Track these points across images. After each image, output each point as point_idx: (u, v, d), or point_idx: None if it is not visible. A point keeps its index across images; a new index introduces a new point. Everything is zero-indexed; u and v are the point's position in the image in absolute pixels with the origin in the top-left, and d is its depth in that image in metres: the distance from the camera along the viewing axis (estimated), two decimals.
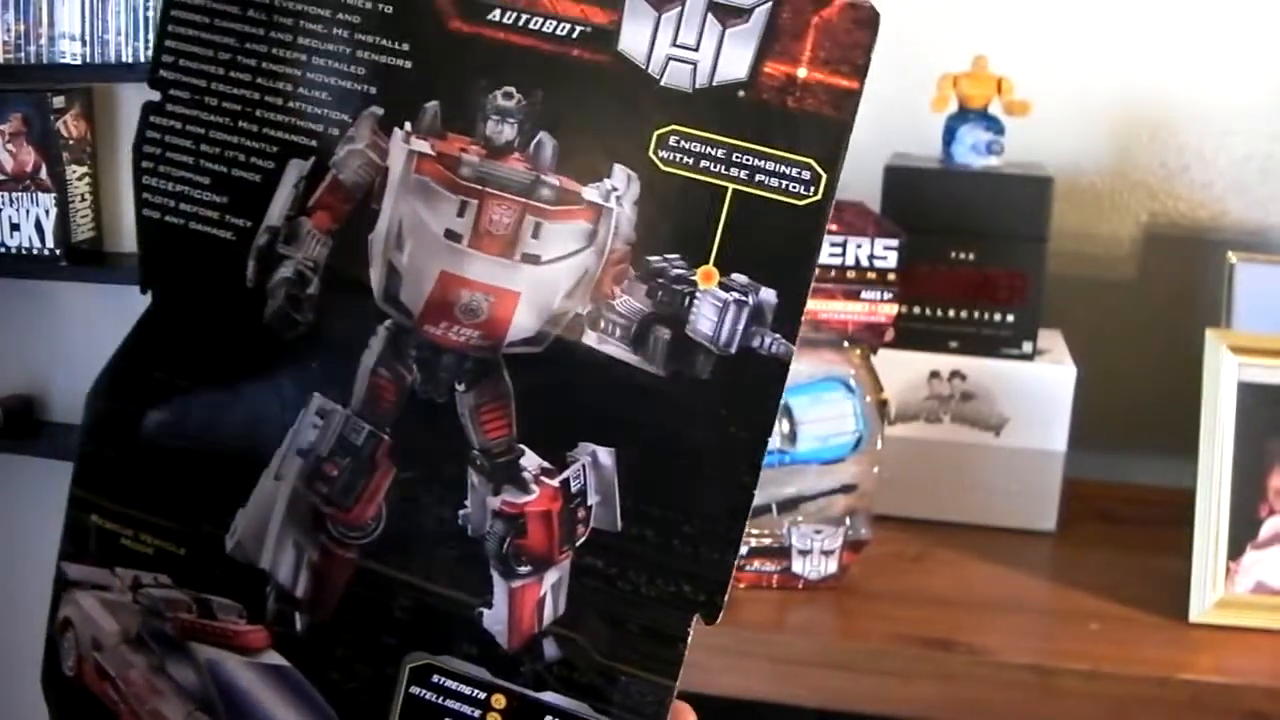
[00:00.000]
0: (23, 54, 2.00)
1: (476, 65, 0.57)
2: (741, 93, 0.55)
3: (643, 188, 0.55)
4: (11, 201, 2.04)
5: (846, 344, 1.24)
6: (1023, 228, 1.44)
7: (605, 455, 0.56)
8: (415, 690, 0.58)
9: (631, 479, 0.56)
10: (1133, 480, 1.56)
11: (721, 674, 1.15)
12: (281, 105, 0.59)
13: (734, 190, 0.55)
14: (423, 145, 0.57)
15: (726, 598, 0.55)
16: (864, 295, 1.25)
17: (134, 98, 2.03)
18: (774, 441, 1.20)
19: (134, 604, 0.62)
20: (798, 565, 1.24)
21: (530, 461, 0.57)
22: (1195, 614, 1.21)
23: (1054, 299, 1.49)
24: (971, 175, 1.47)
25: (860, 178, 1.35)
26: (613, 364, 0.56)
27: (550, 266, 0.56)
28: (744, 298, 0.55)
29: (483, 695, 0.58)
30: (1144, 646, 1.17)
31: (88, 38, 1.97)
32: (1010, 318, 1.44)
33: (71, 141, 2.05)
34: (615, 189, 0.55)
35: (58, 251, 2.05)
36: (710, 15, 0.55)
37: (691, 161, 0.55)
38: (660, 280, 0.55)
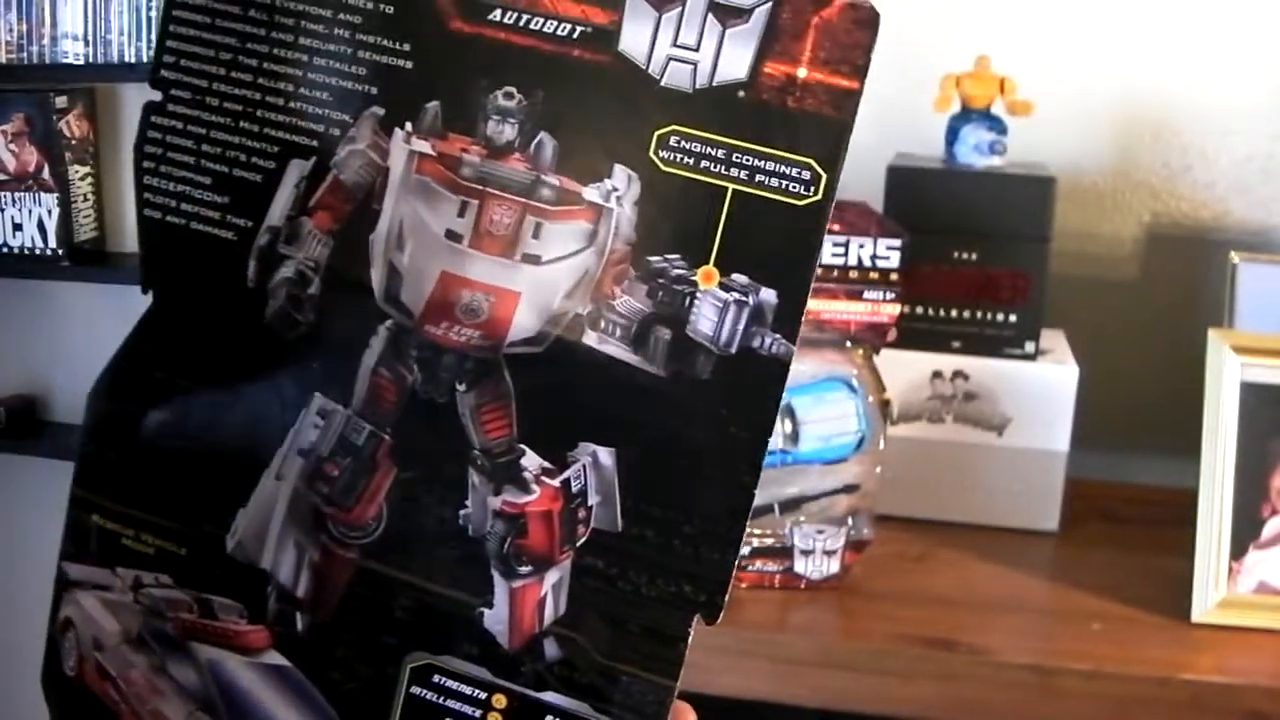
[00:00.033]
0: (25, 54, 2.00)
1: (477, 65, 0.57)
2: (742, 93, 0.55)
3: (643, 188, 0.55)
4: (14, 201, 2.04)
5: (849, 344, 1.24)
6: (1025, 228, 1.44)
7: (606, 455, 0.56)
8: (416, 690, 0.58)
9: (632, 479, 0.56)
10: (1135, 480, 1.56)
11: (723, 674, 1.15)
12: (283, 105, 0.59)
13: (734, 190, 0.55)
14: (423, 145, 0.57)
15: (727, 598, 0.56)
16: (866, 295, 1.25)
17: (136, 97, 2.02)
18: (776, 441, 1.20)
19: (135, 604, 0.62)
20: (800, 565, 1.24)
21: (531, 461, 0.57)
22: (1197, 614, 1.21)
23: (1056, 299, 1.49)
24: (974, 175, 1.47)
25: (863, 178, 1.35)
26: (613, 364, 0.56)
27: (551, 267, 0.56)
28: (744, 298, 0.55)
29: (483, 695, 0.58)
30: (1146, 646, 1.17)
31: (90, 38, 1.98)
32: (1013, 318, 1.44)
33: (74, 141, 2.05)
34: (616, 189, 0.55)
35: (60, 251, 2.05)
36: (710, 15, 0.55)
37: (692, 162, 0.55)
38: (661, 280, 0.55)
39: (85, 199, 2.08)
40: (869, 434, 1.23)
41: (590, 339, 0.56)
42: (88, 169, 2.09)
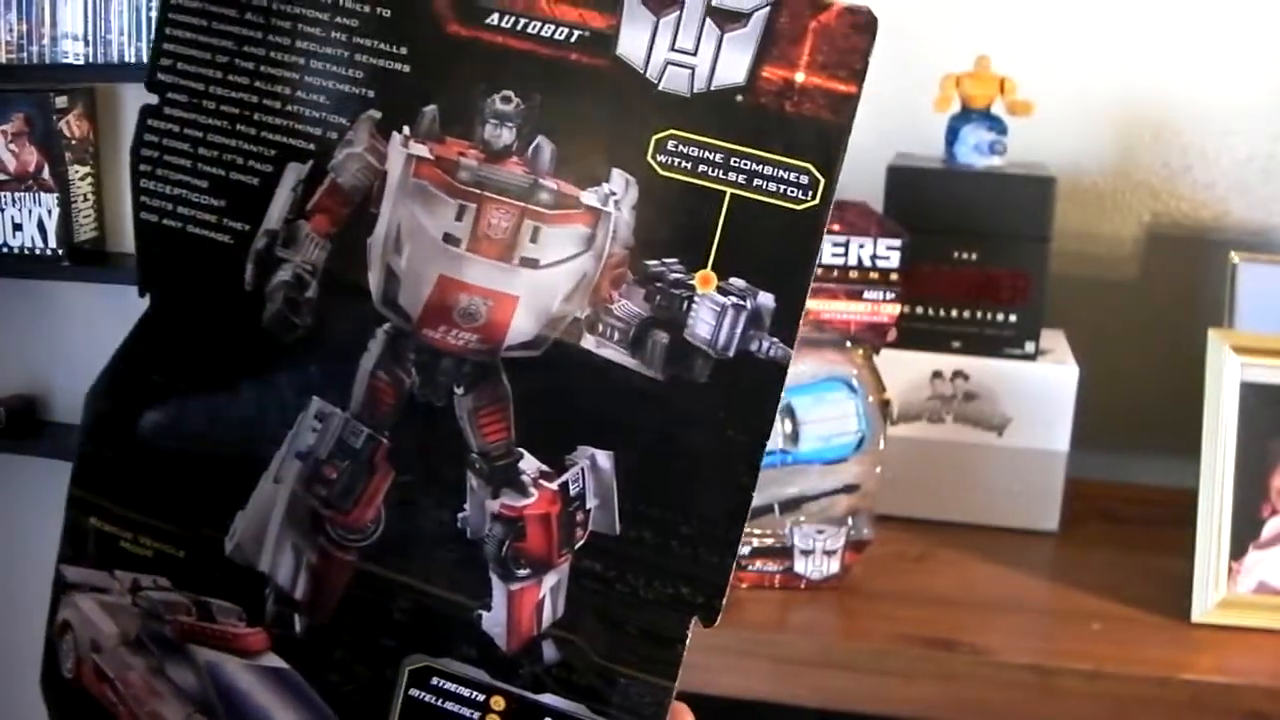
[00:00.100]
0: (25, 54, 2.00)
1: (475, 69, 0.57)
2: (740, 97, 0.55)
3: (641, 192, 0.55)
4: (14, 201, 2.04)
5: (849, 344, 1.24)
6: (1025, 228, 1.44)
7: (604, 458, 0.56)
8: (414, 692, 0.58)
9: (630, 482, 0.56)
10: (1135, 480, 1.56)
11: (723, 674, 1.15)
12: (279, 109, 0.59)
13: (732, 194, 0.55)
14: (421, 149, 0.57)
15: (725, 600, 0.56)
16: (866, 295, 1.25)
17: (136, 98, 2.02)
18: (776, 441, 1.20)
19: (133, 606, 0.62)
20: (800, 565, 1.24)
21: (529, 465, 0.57)
22: (1197, 614, 1.21)
23: (1056, 299, 1.49)
24: (974, 175, 1.46)
25: (863, 178, 1.35)
26: (611, 367, 0.56)
27: (548, 270, 0.56)
28: (742, 302, 0.55)
29: (482, 697, 0.58)
30: (1146, 646, 1.17)
31: (90, 38, 1.98)
32: (1013, 318, 1.44)
33: (74, 141, 2.05)
34: (613, 193, 0.55)
35: (60, 251, 2.05)
36: (708, 20, 0.55)
37: (690, 166, 0.55)
38: (658, 284, 0.55)
39: (85, 199, 2.08)
40: (869, 434, 1.23)
41: (588, 342, 0.56)
42: (88, 169, 2.08)
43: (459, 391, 0.57)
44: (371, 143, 0.58)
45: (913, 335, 1.40)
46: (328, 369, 0.59)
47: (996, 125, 1.47)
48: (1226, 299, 1.37)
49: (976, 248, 1.45)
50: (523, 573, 0.57)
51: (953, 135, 1.48)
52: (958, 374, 1.43)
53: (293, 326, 0.59)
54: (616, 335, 0.56)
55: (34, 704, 0.64)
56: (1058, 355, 1.46)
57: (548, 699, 0.57)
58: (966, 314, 1.45)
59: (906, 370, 1.41)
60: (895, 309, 1.25)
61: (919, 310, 1.45)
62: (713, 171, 0.55)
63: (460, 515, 0.58)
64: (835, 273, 1.24)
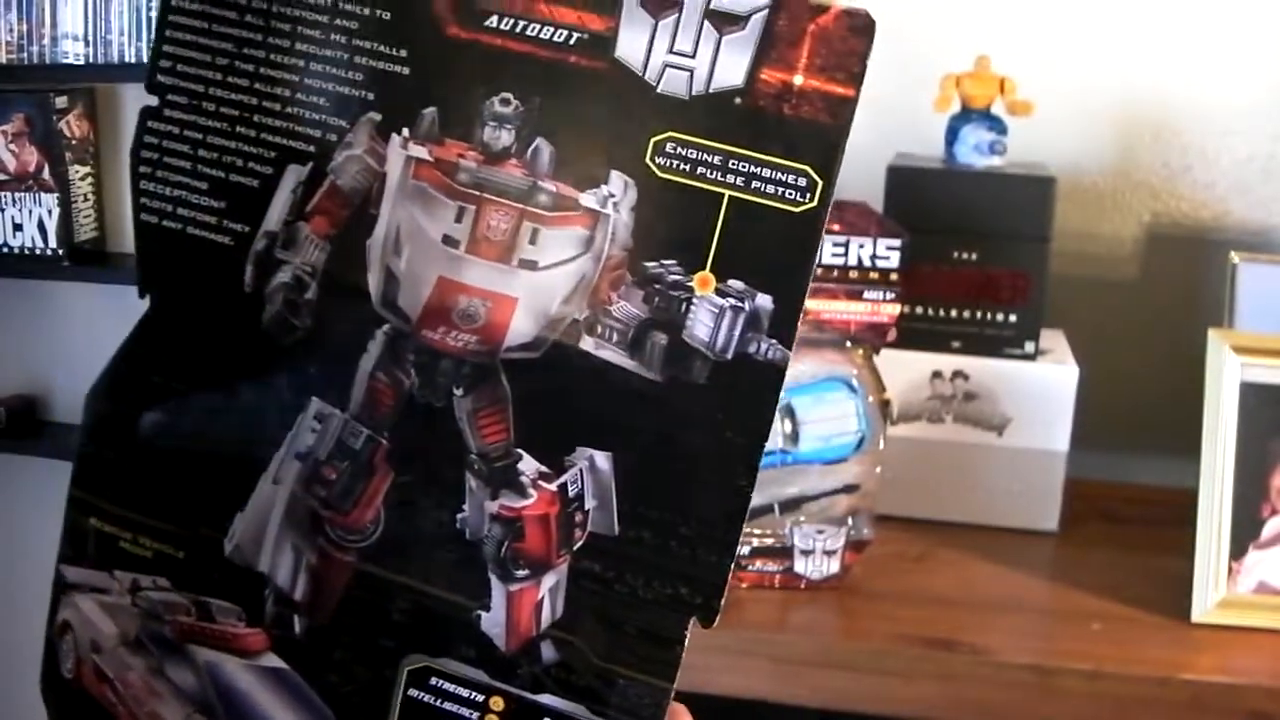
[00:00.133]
0: (25, 54, 2.00)
1: (474, 72, 0.57)
2: (738, 100, 0.55)
3: (640, 194, 0.55)
4: (14, 201, 2.04)
5: (849, 344, 1.24)
6: (1025, 228, 1.44)
7: (603, 459, 0.56)
8: (413, 692, 0.58)
9: (629, 483, 0.56)
10: (1135, 480, 1.56)
11: (723, 674, 1.15)
12: (279, 111, 0.59)
13: (730, 197, 0.55)
14: (420, 151, 0.57)
15: (723, 601, 0.56)
16: (866, 295, 1.25)
17: (137, 98, 2.01)
18: (776, 441, 1.20)
19: (133, 607, 0.62)
20: (800, 565, 1.24)
21: (528, 466, 0.57)
22: (1197, 614, 1.21)
23: (1056, 299, 1.49)
24: (974, 175, 1.46)
25: (863, 178, 1.35)
26: (610, 369, 0.56)
27: (548, 272, 0.56)
28: (740, 303, 0.55)
29: (481, 697, 0.58)
30: (1146, 646, 1.17)
31: (90, 38, 1.97)
32: (1013, 318, 1.44)
33: (74, 141, 2.05)
34: (612, 195, 0.56)
35: (60, 251, 2.05)
36: (707, 22, 0.55)
37: (688, 168, 0.55)
38: (657, 286, 0.55)
39: (85, 199, 2.08)
40: (869, 434, 1.23)
41: (587, 344, 0.56)
42: (88, 169, 2.08)
43: (458, 393, 0.58)
44: (371, 145, 0.58)
45: (913, 335, 1.40)
46: (327, 370, 0.59)
47: (996, 125, 1.47)
48: (1226, 299, 1.37)
49: (976, 248, 1.45)
50: (521, 573, 0.58)
51: (953, 135, 1.48)
52: (958, 374, 1.43)
53: (292, 328, 0.59)
54: (615, 337, 0.56)
55: (34, 704, 0.64)
56: (1058, 355, 1.46)
57: (546, 699, 0.57)
58: (966, 314, 1.45)
59: (906, 370, 1.41)
60: (895, 309, 1.25)
61: (919, 310, 1.45)
62: (711, 174, 0.55)
63: (459, 516, 0.58)
64: (835, 273, 1.24)
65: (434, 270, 0.57)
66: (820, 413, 1.22)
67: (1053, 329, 1.51)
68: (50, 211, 2.04)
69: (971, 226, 1.45)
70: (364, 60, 0.58)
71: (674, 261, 0.55)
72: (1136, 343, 1.63)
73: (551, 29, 0.56)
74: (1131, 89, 1.62)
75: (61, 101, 2.03)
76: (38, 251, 2.05)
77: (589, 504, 0.57)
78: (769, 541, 1.22)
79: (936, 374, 1.43)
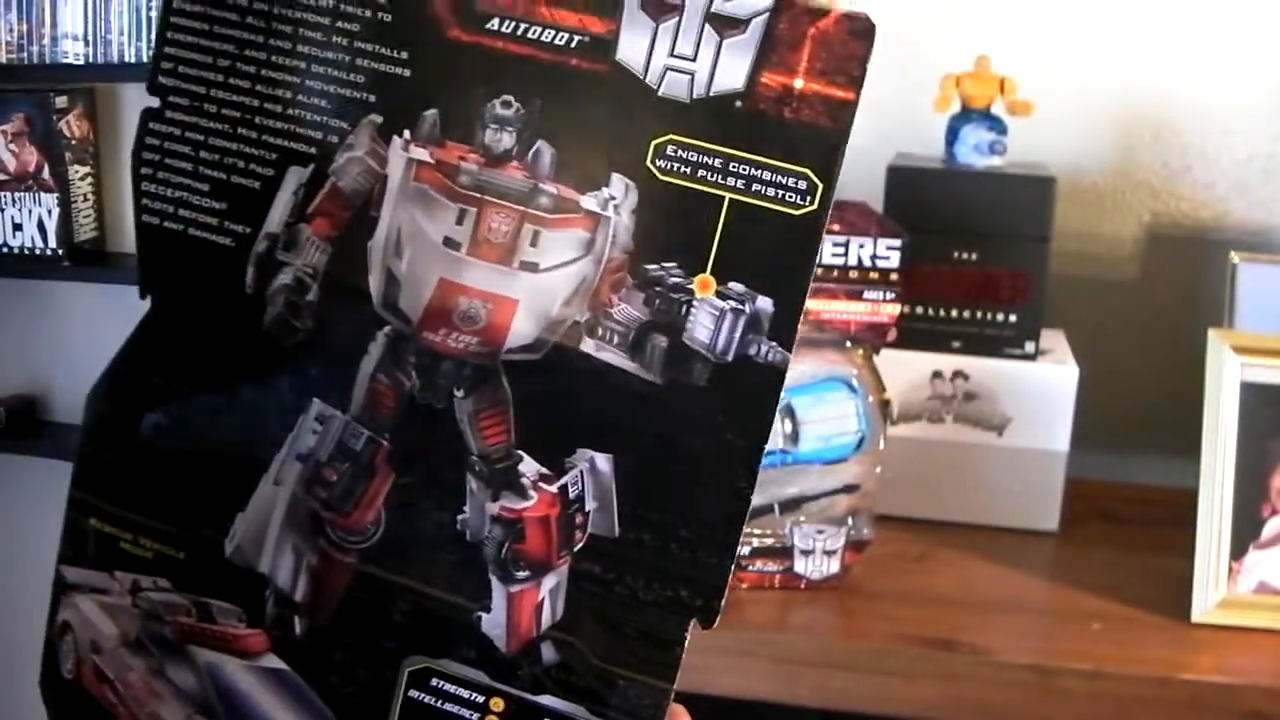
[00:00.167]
0: (25, 54, 2.00)
1: (475, 74, 0.57)
2: (738, 103, 0.55)
3: (640, 196, 0.56)
4: (14, 201, 2.04)
5: (849, 344, 1.24)
6: (1025, 228, 1.44)
7: (603, 461, 0.57)
8: (414, 694, 0.59)
9: (629, 485, 0.56)
10: (1135, 480, 1.56)
11: (723, 674, 1.15)
12: (281, 112, 0.60)
13: (731, 199, 0.55)
14: (422, 153, 0.57)
15: (723, 603, 0.56)
16: (867, 295, 1.25)
17: (137, 98, 2.01)
18: (776, 441, 1.20)
19: (133, 607, 0.62)
20: (800, 565, 1.24)
21: (529, 467, 0.57)
22: (1197, 614, 1.21)
23: (1056, 299, 1.49)
24: (974, 175, 1.46)
25: (863, 178, 1.35)
26: (610, 371, 0.56)
27: (548, 274, 0.56)
28: (741, 306, 0.55)
29: (481, 698, 0.58)
30: (1146, 646, 1.17)
31: (90, 38, 1.97)
32: (1013, 318, 1.44)
33: (74, 141, 2.05)
34: (613, 197, 0.56)
35: (60, 251, 2.05)
36: (708, 26, 0.55)
37: (689, 171, 0.55)
38: (658, 288, 0.56)
39: (85, 199, 2.08)
40: (869, 434, 1.23)
41: (588, 346, 0.56)
42: (88, 169, 2.08)
43: (459, 394, 0.58)
44: (372, 147, 0.58)
45: (913, 335, 1.40)
46: (328, 372, 0.59)
47: (996, 125, 1.47)
48: (1226, 299, 1.37)
49: (976, 248, 1.45)
50: (522, 575, 0.58)
51: (953, 135, 1.48)
52: (958, 374, 1.43)
53: (293, 329, 0.59)
54: (616, 339, 0.56)
55: (34, 704, 0.64)
56: (1058, 355, 1.46)
57: (546, 700, 0.57)
58: (966, 314, 1.45)
59: (906, 370, 1.41)
60: (895, 309, 1.25)
61: (919, 310, 1.45)
62: (712, 176, 0.55)
63: (460, 517, 0.58)
64: (835, 273, 1.24)
65: (435, 272, 0.57)
66: (820, 413, 1.22)
67: (1053, 329, 1.51)
68: (50, 211, 2.04)
69: (971, 226, 1.45)
70: (365, 62, 0.58)
71: (674, 264, 0.55)
72: (1136, 343, 1.63)
73: (553, 32, 0.56)
74: (1131, 89, 1.62)
75: (61, 101, 2.03)
76: (37, 251, 2.05)
77: (589, 506, 0.57)
78: (769, 541, 1.23)
79: (936, 374, 1.43)
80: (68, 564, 0.63)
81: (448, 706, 0.58)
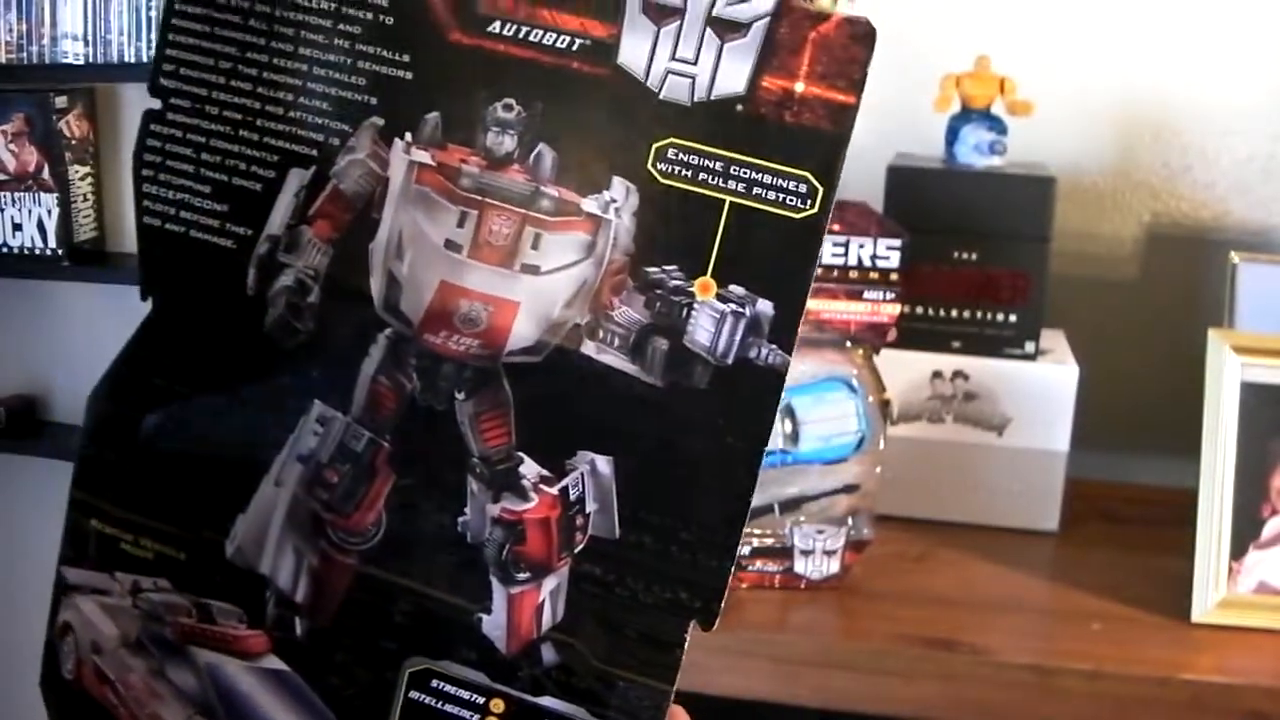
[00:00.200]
0: (25, 54, 2.00)
1: (477, 77, 0.57)
2: (739, 107, 0.55)
3: (641, 199, 0.56)
4: (14, 201, 2.04)
5: (849, 344, 1.24)
6: (1025, 228, 1.44)
7: (604, 463, 0.57)
8: (414, 695, 0.59)
9: (630, 487, 0.56)
10: (1135, 480, 1.56)
11: (723, 674, 1.15)
12: (282, 115, 0.60)
13: (732, 203, 0.55)
14: (423, 156, 0.57)
15: (723, 605, 0.56)
16: (867, 295, 1.25)
17: (137, 98, 2.03)
18: (776, 441, 1.20)
19: (134, 608, 0.62)
20: (800, 565, 1.24)
21: (529, 469, 0.57)
22: (1197, 614, 1.21)
23: (1056, 299, 1.49)
24: (974, 175, 1.46)
25: (863, 178, 1.35)
26: (611, 373, 0.56)
27: (549, 277, 0.57)
28: (741, 309, 0.55)
29: (481, 700, 0.58)
30: (1146, 646, 1.17)
31: (90, 38, 1.97)
32: (1013, 318, 1.44)
33: (74, 141, 2.05)
34: (614, 200, 0.56)
35: (60, 251, 2.05)
36: (709, 30, 0.55)
37: (690, 174, 0.55)
38: (658, 291, 0.56)
39: (85, 199, 2.08)
40: (869, 434, 1.23)
41: (588, 348, 0.56)
42: (88, 169, 2.08)
43: (460, 396, 0.58)
44: (374, 149, 0.58)
45: (913, 335, 1.40)
46: (329, 373, 0.59)
47: (996, 125, 1.47)
48: (1226, 299, 1.37)
49: (976, 248, 1.45)
50: (522, 576, 0.58)
51: (953, 135, 1.48)
52: (958, 374, 1.43)
53: (294, 331, 0.59)
54: (617, 341, 0.56)
55: (34, 704, 0.64)
56: (1058, 355, 1.46)
57: (547, 702, 0.57)
58: (966, 314, 1.45)
59: (906, 370, 1.41)
60: (895, 309, 1.25)
61: (919, 310, 1.45)
62: (713, 180, 0.55)
63: (461, 519, 0.58)
64: (835, 273, 1.24)
65: (436, 274, 0.57)
66: (820, 413, 1.22)
67: (1053, 329, 1.51)
68: (50, 211, 2.04)
69: (971, 226, 1.45)
70: (367, 65, 0.59)
71: (675, 267, 0.56)
72: (1136, 343, 1.63)
73: (554, 35, 0.56)
74: (1131, 89, 1.62)
75: (61, 101, 2.03)
76: (37, 251, 2.05)
77: (590, 508, 0.57)
78: (769, 542, 1.23)
79: (936, 374, 1.43)
80: (68, 565, 0.63)
81: (448, 708, 0.58)
